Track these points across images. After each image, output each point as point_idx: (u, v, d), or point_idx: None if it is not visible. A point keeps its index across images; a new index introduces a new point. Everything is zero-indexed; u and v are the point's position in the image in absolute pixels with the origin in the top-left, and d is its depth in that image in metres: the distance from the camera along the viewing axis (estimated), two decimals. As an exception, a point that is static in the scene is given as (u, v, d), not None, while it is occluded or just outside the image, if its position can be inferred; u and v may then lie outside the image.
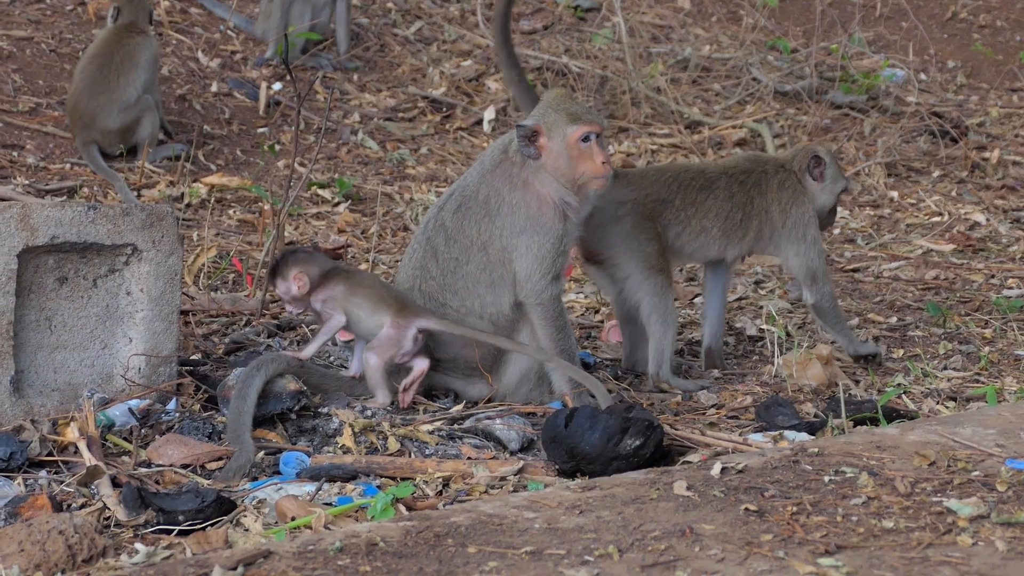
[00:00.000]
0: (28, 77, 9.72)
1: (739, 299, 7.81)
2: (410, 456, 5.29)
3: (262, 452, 5.22)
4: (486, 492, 4.94)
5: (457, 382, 6.00)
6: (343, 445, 5.35)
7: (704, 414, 6.01)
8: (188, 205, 8.62)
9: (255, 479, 5.05)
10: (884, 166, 10.59)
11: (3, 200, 7.54)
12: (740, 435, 5.59)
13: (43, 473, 5.03)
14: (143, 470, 5.03)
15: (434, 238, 5.95)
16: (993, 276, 8.35)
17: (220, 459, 5.17)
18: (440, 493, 4.95)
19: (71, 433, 5.17)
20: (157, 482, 4.96)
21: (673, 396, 6.23)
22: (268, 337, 6.61)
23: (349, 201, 9.14)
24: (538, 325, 5.87)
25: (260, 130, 10.06)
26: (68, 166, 8.91)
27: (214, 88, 10.39)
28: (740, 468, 4.65)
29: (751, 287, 8.04)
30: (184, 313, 6.68)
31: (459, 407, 5.81)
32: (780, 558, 3.92)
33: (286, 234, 8.25)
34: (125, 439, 5.28)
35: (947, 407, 6.05)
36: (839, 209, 6.83)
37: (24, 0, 10.62)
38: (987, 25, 13.76)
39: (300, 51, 10.97)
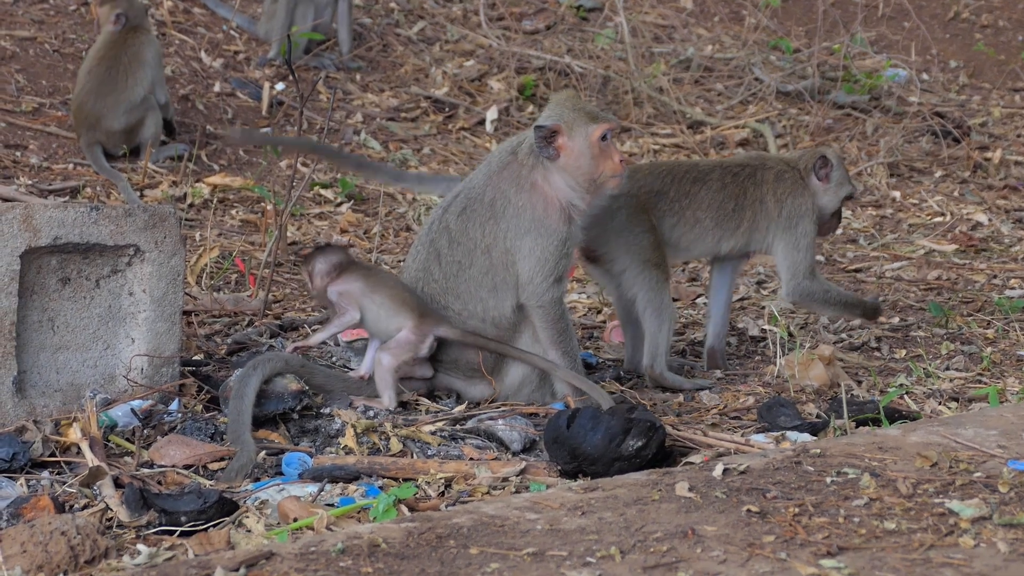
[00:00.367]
0: (31, 77, 9.72)
1: (741, 299, 7.81)
2: (412, 457, 5.29)
3: (263, 452, 5.22)
4: (488, 493, 4.94)
5: (459, 383, 6.00)
6: (345, 446, 5.35)
7: (707, 414, 6.01)
8: (191, 205, 8.62)
9: (257, 480, 5.05)
10: (886, 166, 10.58)
11: (6, 200, 7.56)
12: (742, 436, 5.59)
13: (45, 474, 5.04)
14: (145, 471, 5.03)
15: (438, 240, 5.94)
16: (995, 276, 8.35)
17: (222, 459, 5.17)
18: (442, 494, 4.96)
19: (73, 434, 5.17)
20: (159, 483, 4.97)
21: (675, 397, 6.23)
22: (271, 337, 6.61)
23: (351, 201, 9.15)
24: (540, 327, 5.87)
25: (263, 130, 10.06)
26: (71, 166, 8.92)
27: (217, 88, 10.39)
28: (742, 469, 4.65)
29: (753, 287, 8.04)
30: (187, 313, 6.69)
31: (461, 408, 5.81)
32: (782, 559, 3.93)
33: (288, 234, 8.26)
34: (127, 440, 5.28)
35: (949, 408, 6.05)
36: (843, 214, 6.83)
37: (27, 0, 10.62)
38: (989, 25, 13.76)
39: (303, 51, 10.97)
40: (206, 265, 7.41)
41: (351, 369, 6.11)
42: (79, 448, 5.13)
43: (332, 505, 4.77)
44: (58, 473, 5.05)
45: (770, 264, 8.51)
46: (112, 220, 5.40)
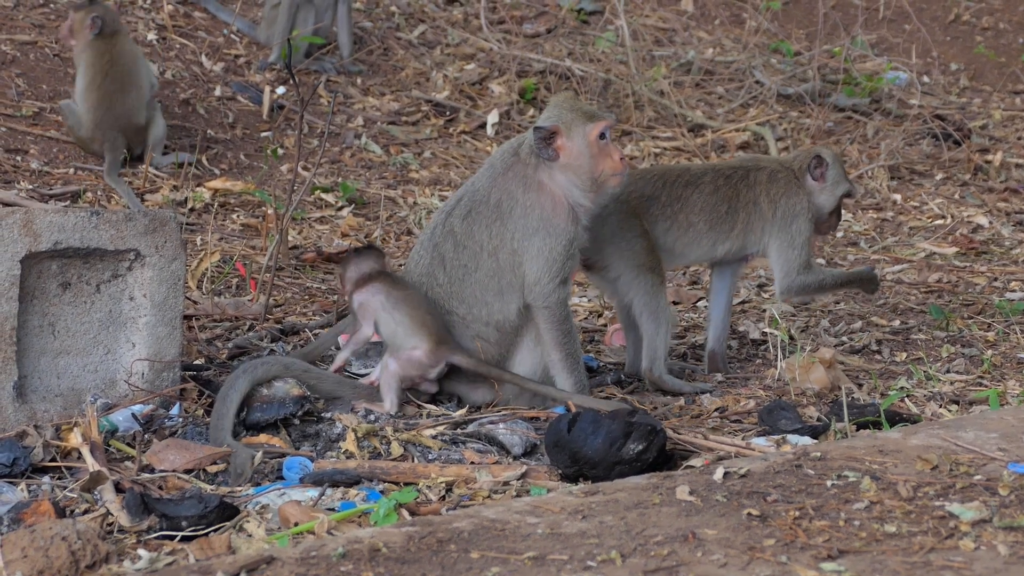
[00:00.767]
0: (31, 82, 9.73)
1: (742, 303, 7.82)
2: (413, 461, 5.29)
3: (260, 453, 5.21)
4: (489, 497, 4.94)
5: (460, 387, 6.00)
6: (346, 450, 5.35)
7: (709, 417, 6.02)
8: (192, 209, 8.63)
9: (258, 484, 5.05)
10: (887, 169, 10.59)
11: (7, 205, 7.56)
12: (743, 439, 5.59)
13: (46, 479, 5.04)
14: (146, 475, 5.03)
15: (442, 245, 5.94)
16: (996, 279, 8.35)
17: (222, 461, 5.17)
18: (443, 498, 4.96)
19: (74, 439, 5.17)
20: (160, 487, 4.97)
21: (676, 401, 6.23)
22: (272, 342, 6.61)
23: (352, 205, 9.15)
24: (544, 328, 5.88)
25: (263, 134, 10.07)
26: (72, 171, 8.92)
27: (217, 92, 10.40)
28: (743, 473, 4.65)
29: (754, 291, 8.04)
30: (187, 318, 6.70)
31: (462, 412, 5.81)
32: (783, 563, 3.93)
33: (290, 239, 8.26)
34: (128, 444, 5.29)
35: (950, 411, 6.05)
36: (843, 214, 6.82)
37: (28, 4, 10.63)
38: (990, 27, 13.76)
39: (303, 55, 10.98)
40: (207, 269, 7.41)
41: (351, 374, 6.11)
42: (80, 453, 5.13)
43: (333, 509, 4.78)
44: (59, 478, 5.06)
45: (769, 266, 8.51)
46: (112, 225, 5.40)
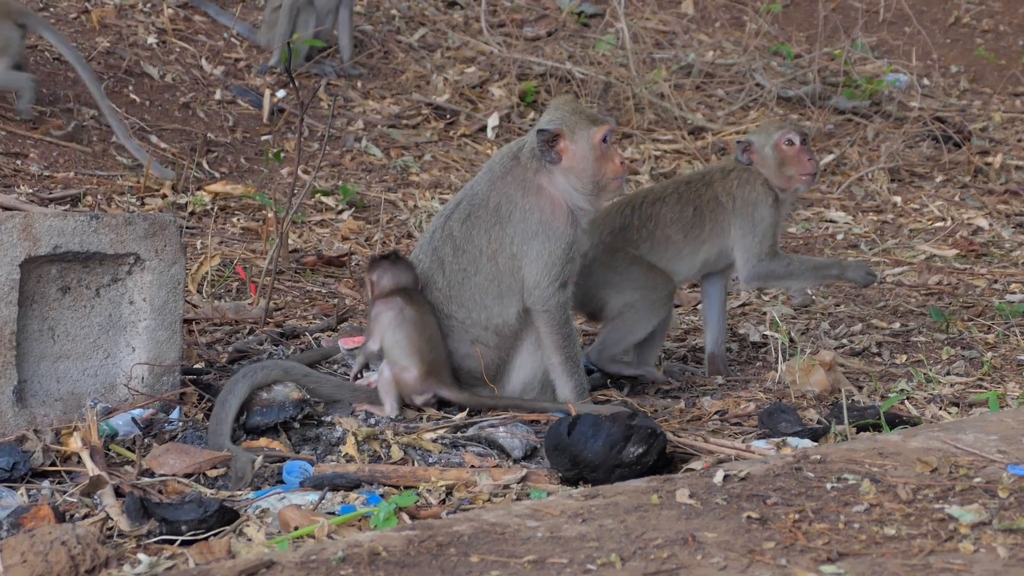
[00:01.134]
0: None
1: (742, 305, 7.82)
2: (413, 464, 5.29)
3: (260, 457, 5.22)
4: (489, 500, 4.94)
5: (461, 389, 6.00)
6: (346, 454, 5.35)
7: (709, 420, 6.02)
8: (192, 213, 8.63)
9: (258, 488, 5.05)
10: (887, 171, 10.59)
11: (6, 209, 7.56)
12: (743, 442, 5.59)
13: (46, 483, 5.04)
14: (146, 480, 5.03)
15: (441, 249, 5.94)
16: (996, 281, 8.35)
17: (222, 465, 5.17)
18: (443, 501, 4.95)
19: (74, 443, 5.17)
20: (160, 492, 4.97)
21: (676, 403, 6.23)
22: (272, 345, 6.61)
23: (353, 208, 9.15)
24: (544, 332, 5.87)
25: (264, 138, 10.08)
26: (72, 175, 8.92)
27: (218, 96, 10.40)
28: (743, 475, 4.64)
29: (754, 293, 8.04)
30: (187, 322, 6.70)
31: (462, 415, 5.81)
32: (782, 566, 3.92)
33: (290, 242, 8.26)
34: (128, 448, 5.29)
35: (950, 413, 6.05)
36: (811, 177, 6.68)
37: (28, 9, 10.63)
38: (990, 30, 13.76)
39: (304, 58, 10.99)
40: (207, 273, 7.41)
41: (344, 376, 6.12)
42: (80, 457, 5.13)
43: (333, 513, 4.77)
44: (59, 482, 5.05)
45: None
46: (112, 229, 5.41)
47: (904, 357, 6.89)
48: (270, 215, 8.21)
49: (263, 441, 5.43)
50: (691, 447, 5.43)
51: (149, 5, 11.23)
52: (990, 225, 9.70)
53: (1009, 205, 10.25)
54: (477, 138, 10.75)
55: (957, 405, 6.17)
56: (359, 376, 6.01)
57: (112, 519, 4.68)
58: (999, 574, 3.89)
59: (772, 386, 6.44)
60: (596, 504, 4.44)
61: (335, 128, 10.41)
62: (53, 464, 5.12)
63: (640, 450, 5.09)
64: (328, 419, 5.66)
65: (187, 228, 8.34)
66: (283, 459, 5.27)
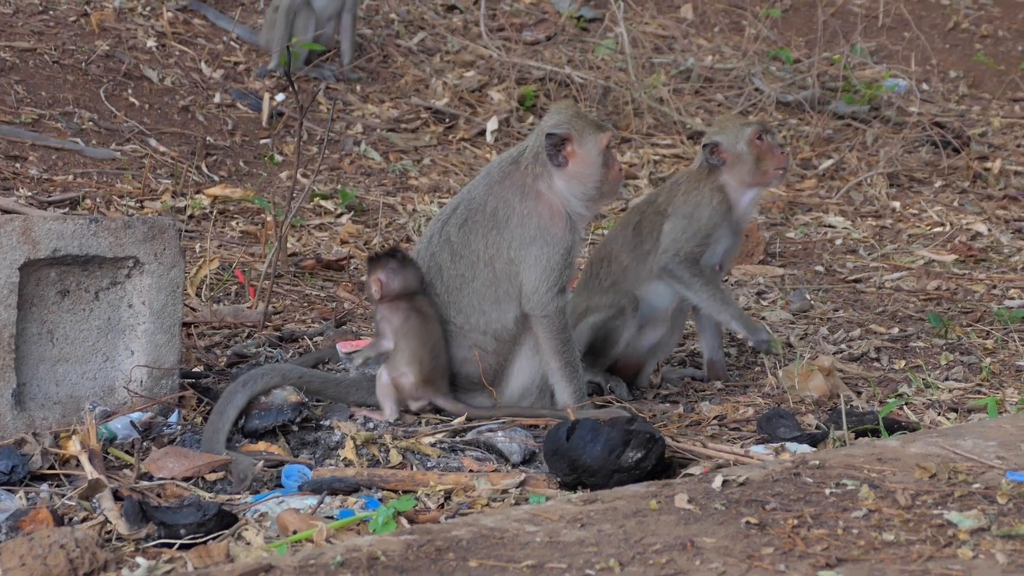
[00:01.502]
0: (31, 88, 9.73)
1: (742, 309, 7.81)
2: (412, 469, 5.29)
3: (261, 461, 5.22)
4: (488, 505, 4.94)
5: (459, 394, 5.99)
6: (345, 458, 5.35)
7: (708, 425, 6.02)
8: (191, 217, 8.63)
9: (257, 492, 5.05)
10: (886, 176, 10.60)
11: (5, 212, 7.56)
12: (742, 447, 5.59)
13: (45, 486, 5.03)
14: (145, 483, 5.03)
15: (439, 254, 5.93)
16: (995, 287, 8.35)
17: (221, 469, 5.16)
18: (442, 506, 4.96)
19: (73, 446, 5.17)
20: (159, 495, 4.96)
21: (675, 408, 6.23)
22: (271, 349, 6.61)
23: (352, 212, 9.15)
24: (543, 337, 5.87)
25: (263, 141, 10.08)
26: (71, 177, 8.92)
27: (217, 99, 10.40)
28: (741, 481, 4.65)
29: (753, 298, 8.04)
30: (186, 325, 6.69)
31: (461, 419, 5.81)
32: (781, 571, 3.92)
33: (289, 246, 8.26)
34: (127, 452, 5.28)
35: (948, 418, 6.05)
36: (784, 170, 6.59)
37: (27, 11, 10.64)
38: (989, 35, 13.77)
39: (303, 62, 10.99)
40: (206, 277, 7.41)
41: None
42: (78, 461, 5.13)
43: (331, 517, 4.77)
44: (57, 486, 5.05)
45: (770, 275, 8.51)
46: (111, 232, 5.40)
47: (903, 362, 6.89)
48: (269, 219, 8.21)
49: (261, 445, 5.43)
50: (690, 452, 5.43)
51: (148, 8, 11.24)
52: (989, 230, 9.70)
53: (1008, 210, 10.25)
54: (476, 142, 10.75)
55: (956, 411, 6.17)
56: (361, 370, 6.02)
57: (111, 523, 4.68)
58: (998, 580, 3.90)
59: (771, 391, 6.44)
60: (595, 509, 4.44)
61: (334, 132, 10.41)
62: (52, 467, 5.12)
63: (639, 455, 5.09)
64: (327, 423, 5.66)
65: (186, 231, 8.33)
66: (281, 463, 5.26)
